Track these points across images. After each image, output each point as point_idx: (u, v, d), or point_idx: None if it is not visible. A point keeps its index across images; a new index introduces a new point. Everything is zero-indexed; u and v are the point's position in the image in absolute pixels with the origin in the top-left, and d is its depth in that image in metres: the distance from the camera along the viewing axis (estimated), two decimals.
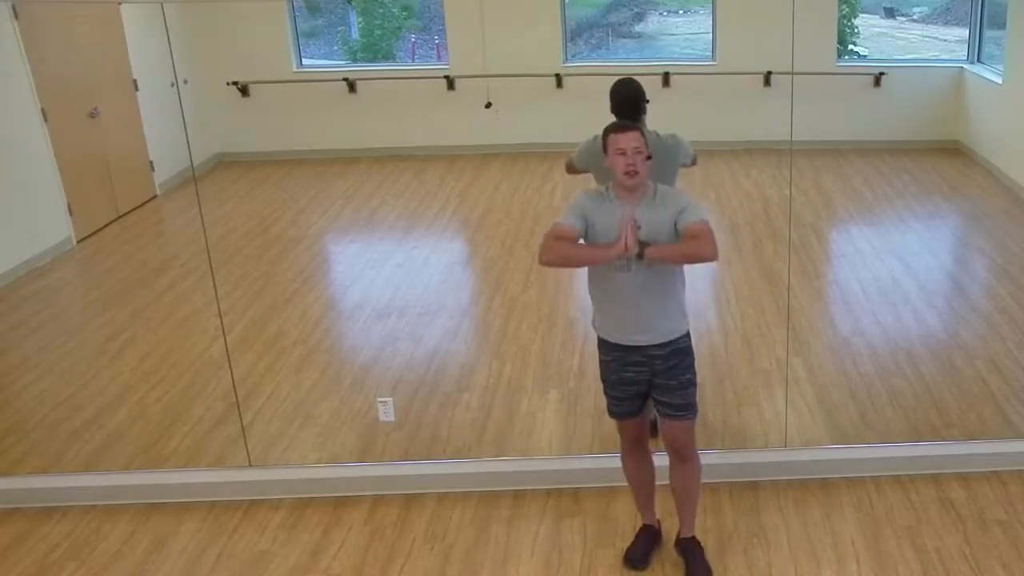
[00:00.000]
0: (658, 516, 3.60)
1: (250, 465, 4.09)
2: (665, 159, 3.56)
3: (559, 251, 3.10)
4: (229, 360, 4.41)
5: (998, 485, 3.89)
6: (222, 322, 4.46)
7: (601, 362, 3.34)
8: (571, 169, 3.99)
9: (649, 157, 3.09)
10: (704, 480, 3.48)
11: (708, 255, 3.06)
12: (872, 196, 7.26)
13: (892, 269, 5.94)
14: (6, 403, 4.74)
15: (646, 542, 3.53)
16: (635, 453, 3.46)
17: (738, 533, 3.65)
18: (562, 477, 3.98)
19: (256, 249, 6.48)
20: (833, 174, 7.39)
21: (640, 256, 3.02)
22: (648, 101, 3.76)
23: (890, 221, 6.96)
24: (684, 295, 3.28)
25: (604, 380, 3.35)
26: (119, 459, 4.20)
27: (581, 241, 3.15)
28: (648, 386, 3.27)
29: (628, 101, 3.74)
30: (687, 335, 3.27)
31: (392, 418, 4.35)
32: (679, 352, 3.24)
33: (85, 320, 5.70)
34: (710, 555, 3.51)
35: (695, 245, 3.05)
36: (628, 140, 3.04)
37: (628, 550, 3.51)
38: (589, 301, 3.30)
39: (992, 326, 5.16)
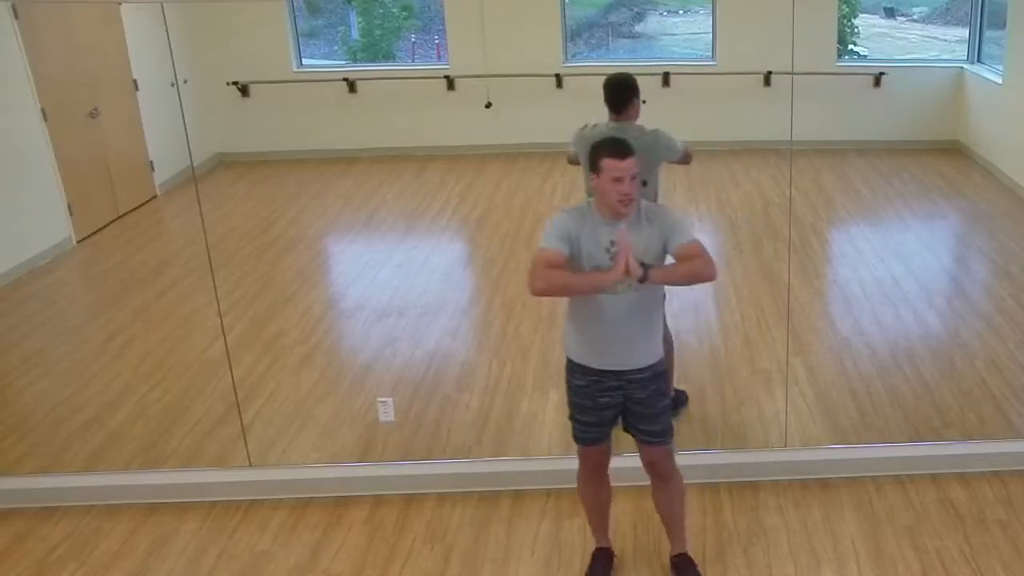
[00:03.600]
0: (611, 537, 3.54)
1: (250, 465, 4.10)
2: (642, 156, 3.51)
3: (553, 280, 2.92)
4: (229, 360, 4.41)
5: (998, 485, 3.89)
6: (222, 322, 4.46)
7: (573, 387, 3.17)
8: (573, 161, 4.05)
9: (645, 183, 2.96)
10: (704, 480, 3.48)
11: (709, 275, 2.98)
12: (872, 196, 7.26)
13: (892, 269, 5.94)
14: (6, 403, 4.74)
15: (604, 565, 3.46)
16: (597, 478, 3.34)
17: (738, 533, 3.65)
18: (562, 477, 3.96)
19: (256, 249, 6.48)
20: (833, 174, 7.39)
21: (643, 279, 2.86)
22: (644, 101, 3.75)
23: (890, 221, 6.96)
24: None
25: (574, 405, 3.19)
26: (119, 459, 4.20)
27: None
28: (620, 410, 3.17)
29: (618, 87, 3.79)
30: (662, 358, 3.18)
31: (392, 418, 4.35)
32: (657, 376, 3.14)
33: (85, 320, 5.70)
34: (710, 555, 3.52)
35: (698, 265, 2.95)
36: (626, 168, 2.88)
37: (587, 574, 3.45)
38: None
39: (992, 326, 5.16)
